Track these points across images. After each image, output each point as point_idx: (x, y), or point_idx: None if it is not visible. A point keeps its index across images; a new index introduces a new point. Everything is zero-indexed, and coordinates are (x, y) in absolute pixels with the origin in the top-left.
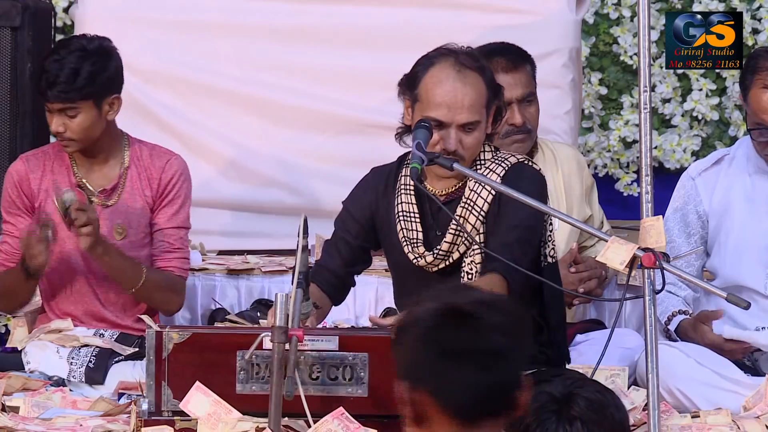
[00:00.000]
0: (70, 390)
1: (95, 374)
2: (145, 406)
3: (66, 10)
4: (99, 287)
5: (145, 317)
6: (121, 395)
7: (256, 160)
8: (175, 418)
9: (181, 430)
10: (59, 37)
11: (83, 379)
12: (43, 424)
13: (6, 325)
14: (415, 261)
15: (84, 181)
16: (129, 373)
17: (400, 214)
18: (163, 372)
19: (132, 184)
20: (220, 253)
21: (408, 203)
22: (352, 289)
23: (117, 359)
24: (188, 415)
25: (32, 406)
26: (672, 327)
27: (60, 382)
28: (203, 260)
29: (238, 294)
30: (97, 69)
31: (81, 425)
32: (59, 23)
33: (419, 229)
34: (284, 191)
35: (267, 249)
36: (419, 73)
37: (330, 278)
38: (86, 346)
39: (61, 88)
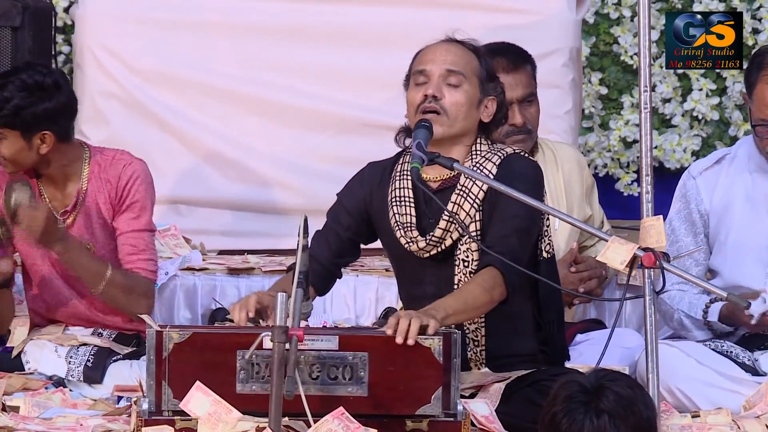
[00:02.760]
0: (70, 390)
1: (93, 373)
2: (145, 406)
3: (66, 10)
4: (81, 293)
5: (145, 316)
6: (120, 398)
7: (256, 159)
8: (175, 417)
9: (181, 429)
10: (59, 37)
11: (81, 378)
12: (44, 423)
13: None
14: (407, 245)
15: (49, 203)
16: (127, 372)
17: (394, 199)
18: (164, 371)
19: (91, 199)
20: (221, 252)
21: (403, 188)
22: (352, 288)
23: (115, 358)
24: (188, 415)
25: (33, 405)
26: (713, 317)
27: (59, 382)
28: (204, 260)
29: (238, 293)
30: (24, 104)
31: (81, 425)
32: (59, 23)
33: (412, 213)
34: (284, 191)
35: (267, 249)
36: (414, 56)
37: (317, 268)
38: (84, 345)
39: None
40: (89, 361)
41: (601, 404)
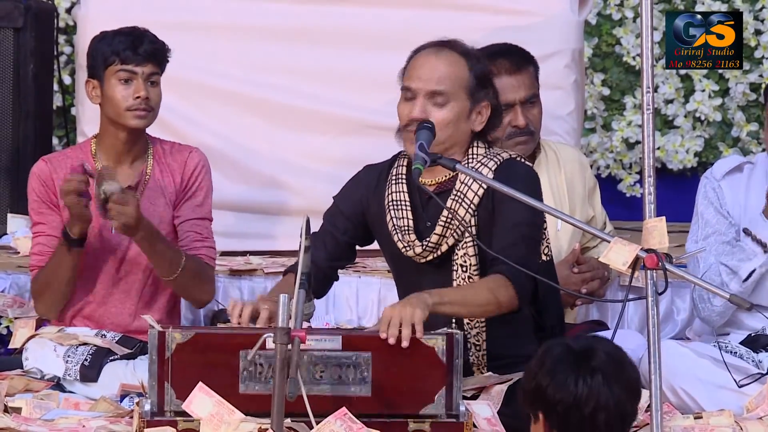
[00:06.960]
0: (64, 390)
1: (89, 372)
2: (147, 407)
3: (68, 11)
4: (126, 279)
5: (147, 317)
6: (123, 397)
7: (257, 161)
8: (177, 418)
9: (183, 430)
10: (62, 38)
11: (78, 377)
12: (46, 425)
13: (8, 327)
14: (404, 250)
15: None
16: (122, 371)
17: (391, 203)
18: (166, 372)
19: (154, 181)
20: (223, 254)
21: (399, 192)
22: (355, 290)
23: (112, 358)
24: (191, 416)
25: (34, 407)
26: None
27: (56, 382)
28: None
29: (240, 295)
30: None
31: (83, 426)
32: (61, 24)
33: (410, 217)
34: (286, 192)
35: (269, 250)
36: (408, 59)
37: (314, 271)
38: (84, 344)
39: None
40: (86, 360)
41: (593, 362)
